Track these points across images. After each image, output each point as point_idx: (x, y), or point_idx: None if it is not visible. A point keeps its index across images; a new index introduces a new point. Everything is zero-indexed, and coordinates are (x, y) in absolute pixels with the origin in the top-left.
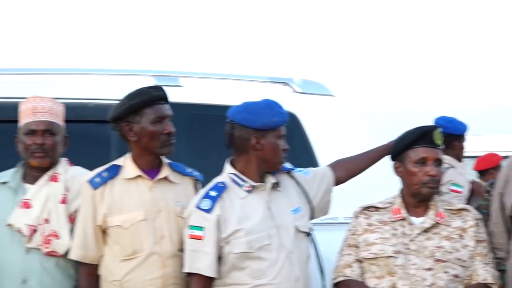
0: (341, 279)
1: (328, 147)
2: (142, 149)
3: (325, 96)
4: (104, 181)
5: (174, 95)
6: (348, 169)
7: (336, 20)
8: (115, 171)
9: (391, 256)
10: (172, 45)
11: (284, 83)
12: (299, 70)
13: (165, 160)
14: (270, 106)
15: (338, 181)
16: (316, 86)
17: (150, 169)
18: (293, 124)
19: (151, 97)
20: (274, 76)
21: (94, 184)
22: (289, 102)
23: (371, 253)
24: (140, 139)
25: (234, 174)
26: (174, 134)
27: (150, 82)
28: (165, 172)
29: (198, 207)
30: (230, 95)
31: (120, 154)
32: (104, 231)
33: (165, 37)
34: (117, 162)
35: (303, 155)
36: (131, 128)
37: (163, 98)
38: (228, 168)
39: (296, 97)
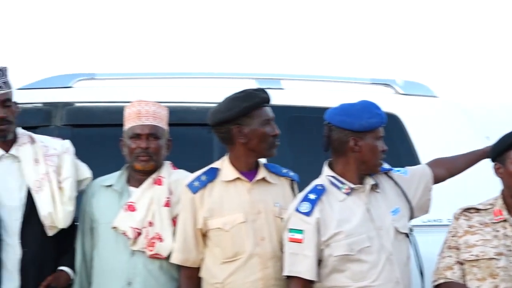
0: (441, 281)
1: (430, 148)
2: (247, 151)
3: (428, 97)
4: (203, 185)
5: (276, 98)
6: (447, 168)
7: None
8: (213, 174)
9: (493, 258)
10: (272, 47)
11: (386, 84)
12: (401, 71)
13: (261, 161)
14: (368, 107)
15: (437, 179)
16: (418, 87)
17: (248, 171)
18: (395, 126)
19: (261, 99)
20: (376, 77)
21: (193, 188)
22: (391, 103)
23: (472, 255)
24: (249, 141)
25: (333, 176)
26: (278, 136)
27: (251, 85)
28: (262, 173)
29: (298, 210)
30: (332, 97)
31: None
32: (204, 234)
33: (265, 40)
34: (214, 165)
35: (405, 156)
36: (241, 130)
37: (268, 101)
38: (326, 171)
39: (398, 98)
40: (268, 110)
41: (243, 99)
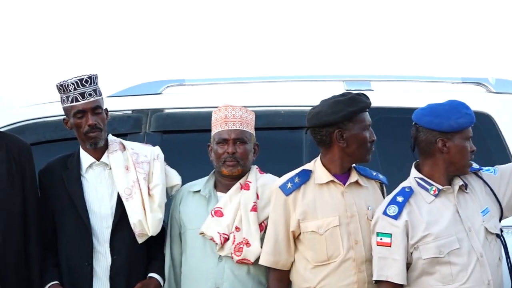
0: None
1: None
2: (344, 155)
3: None
4: (297, 187)
5: None
6: None
7: None
8: (306, 176)
9: None
10: (360, 48)
11: (478, 83)
12: (492, 70)
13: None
14: (456, 107)
15: None
16: (511, 84)
17: (341, 174)
18: (488, 124)
19: (366, 104)
20: (467, 76)
21: (286, 190)
22: (483, 102)
23: None
24: (348, 146)
25: (421, 178)
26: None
27: (340, 87)
28: (355, 176)
29: (385, 214)
30: (423, 97)
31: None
32: (296, 237)
33: (353, 41)
34: (306, 167)
35: (499, 155)
36: (342, 134)
37: (369, 107)
38: (414, 172)
39: (491, 97)
40: (368, 115)
41: (348, 103)
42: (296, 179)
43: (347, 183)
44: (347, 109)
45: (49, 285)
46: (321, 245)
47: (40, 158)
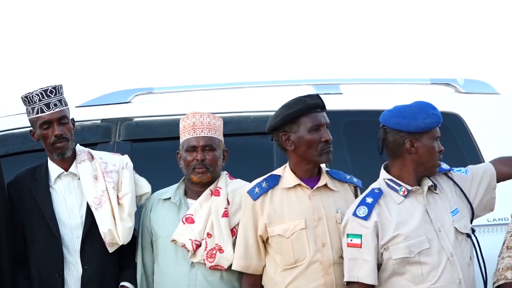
0: (502, 282)
1: (493, 146)
2: (300, 158)
3: (489, 94)
4: (264, 191)
5: (335, 103)
6: None
7: (494, 16)
8: (274, 181)
9: None
10: (328, 51)
11: (447, 84)
12: (461, 70)
13: (324, 168)
14: (423, 108)
15: (502, 177)
16: (480, 85)
17: (309, 177)
18: (457, 124)
19: (306, 105)
20: (436, 77)
21: (254, 195)
22: (452, 102)
23: None
24: (297, 148)
25: (390, 179)
26: (331, 141)
27: (309, 91)
28: (324, 180)
29: (355, 215)
30: (392, 99)
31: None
32: (265, 241)
33: (322, 44)
34: (276, 172)
35: (469, 155)
36: (288, 137)
37: (319, 106)
38: (383, 174)
39: (460, 97)
40: (318, 116)
41: (289, 106)
42: (264, 184)
43: (315, 186)
44: (285, 112)
45: None
46: (288, 248)
47: (9, 170)
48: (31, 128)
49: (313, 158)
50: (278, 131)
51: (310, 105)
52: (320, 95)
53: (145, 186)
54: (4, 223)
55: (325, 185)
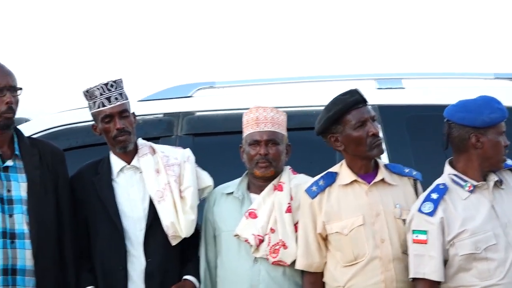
0: None
1: None
2: (353, 156)
3: None
4: (321, 190)
5: (397, 97)
6: None
7: None
8: (331, 178)
9: None
10: (391, 46)
11: (511, 78)
12: None
13: (382, 162)
14: (488, 102)
15: None
16: None
17: (366, 173)
18: None
19: (346, 104)
20: (501, 72)
21: (311, 193)
22: None
23: None
24: (347, 147)
25: (455, 175)
26: (378, 134)
27: (372, 85)
28: (381, 174)
29: (420, 211)
30: (455, 94)
31: None
32: (325, 239)
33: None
34: (333, 169)
35: None
36: (336, 138)
37: (359, 101)
38: (448, 169)
39: None
40: (360, 111)
41: (329, 108)
42: (321, 182)
43: (372, 182)
44: (326, 115)
45: None
46: (347, 245)
47: (72, 163)
48: (94, 122)
49: (364, 154)
50: (326, 134)
51: (349, 103)
52: (365, 90)
53: (207, 179)
54: (68, 216)
55: (383, 180)
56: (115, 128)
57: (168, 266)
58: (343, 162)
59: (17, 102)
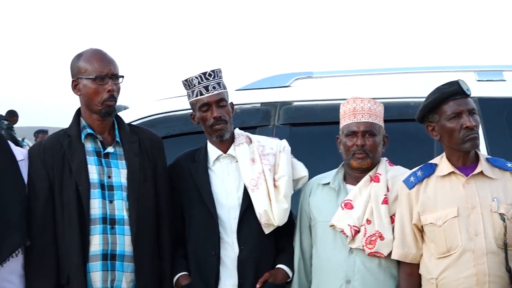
0: None
1: None
2: (448, 147)
3: None
4: (419, 180)
5: (498, 90)
6: None
7: None
8: (430, 169)
9: None
10: (492, 38)
11: None
12: None
13: (483, 155)
14: None
15: None
16: None
17: (464, 165)
18: None
19: (442, 94)
20: None
21: (409, 184)
22: None
23: None
24: (442, 137)
25: None
26: (474, 127)
27: (471, 77)
28: (480, 167)
29: None
30: None
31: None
32: (421, 230)
33: (484, 31)
34: (433, 161)
35: None
36: (433, 127)
37: (458, 92)
38: None
39: None
40: (458, 103)
41: (428, 97)
42: (419, 173)
43: (470, 174)
44: (424, 103)
45: (178, 275)
46: (440, 237)
47: (170, 151)
48: (191, 111)
49: (457, 146)
50: (424, 122)
51: (446, 93)
52: (466, 81)
53: (302, 170)
54: (167, 203)
55: (482, 173)
56: (212, 117)
57: (261, 255)
58: (444, 154)
59: (118, 90)
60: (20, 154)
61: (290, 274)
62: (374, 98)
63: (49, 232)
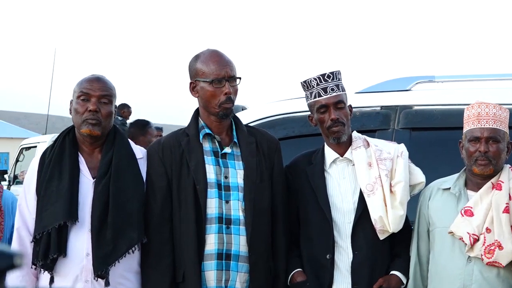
0: None
1: None
2: None
3: None
4: None
5: None
6: None
7: None
8: None
9: None
10: None
11: None
12: None
13: None
14: None
15: None
16: None
17: None
18: None
19: None
20: None
21: None
22: None
23: None
24: None
25: None
26: None
27: None
28: None
29: None
30: None
31: None
32: None
33: None
34: None
35: None
36: None
37: None
38: None
39: None
40: None
41: None
42: None
43: None
44: None
45: (294, 272)
46: None
47: (288, 153)
48: (309, 113)
49: None
50: None
51: None
52: None
53: (419, 176)
54: (282, 205)
55: None
56: (329, 119)
57: (376, 260)
58: None
59: (236, 92)
60: (140, 152)
61: (404, 280)
62: (499, 104)
63: (166, 230)
